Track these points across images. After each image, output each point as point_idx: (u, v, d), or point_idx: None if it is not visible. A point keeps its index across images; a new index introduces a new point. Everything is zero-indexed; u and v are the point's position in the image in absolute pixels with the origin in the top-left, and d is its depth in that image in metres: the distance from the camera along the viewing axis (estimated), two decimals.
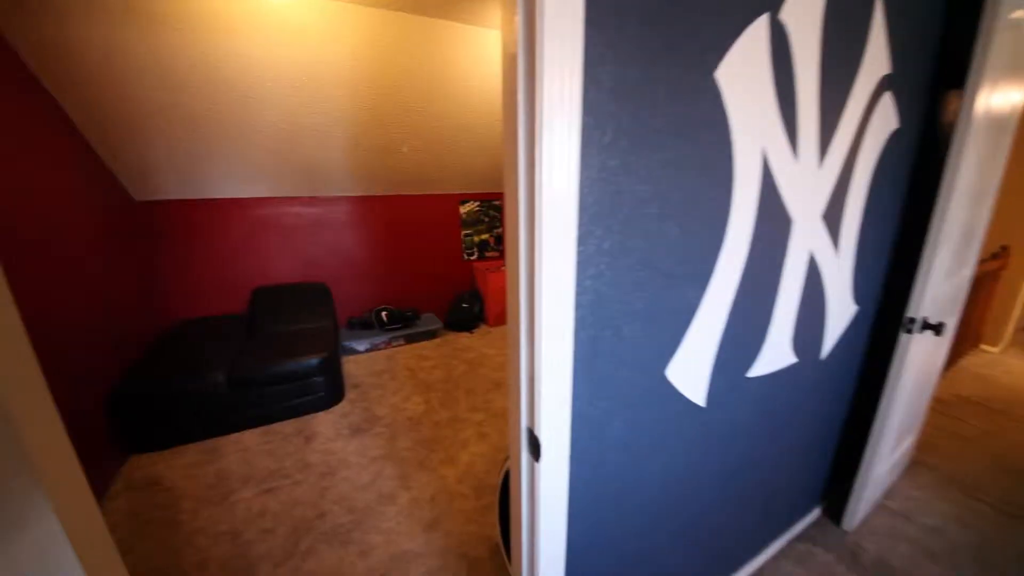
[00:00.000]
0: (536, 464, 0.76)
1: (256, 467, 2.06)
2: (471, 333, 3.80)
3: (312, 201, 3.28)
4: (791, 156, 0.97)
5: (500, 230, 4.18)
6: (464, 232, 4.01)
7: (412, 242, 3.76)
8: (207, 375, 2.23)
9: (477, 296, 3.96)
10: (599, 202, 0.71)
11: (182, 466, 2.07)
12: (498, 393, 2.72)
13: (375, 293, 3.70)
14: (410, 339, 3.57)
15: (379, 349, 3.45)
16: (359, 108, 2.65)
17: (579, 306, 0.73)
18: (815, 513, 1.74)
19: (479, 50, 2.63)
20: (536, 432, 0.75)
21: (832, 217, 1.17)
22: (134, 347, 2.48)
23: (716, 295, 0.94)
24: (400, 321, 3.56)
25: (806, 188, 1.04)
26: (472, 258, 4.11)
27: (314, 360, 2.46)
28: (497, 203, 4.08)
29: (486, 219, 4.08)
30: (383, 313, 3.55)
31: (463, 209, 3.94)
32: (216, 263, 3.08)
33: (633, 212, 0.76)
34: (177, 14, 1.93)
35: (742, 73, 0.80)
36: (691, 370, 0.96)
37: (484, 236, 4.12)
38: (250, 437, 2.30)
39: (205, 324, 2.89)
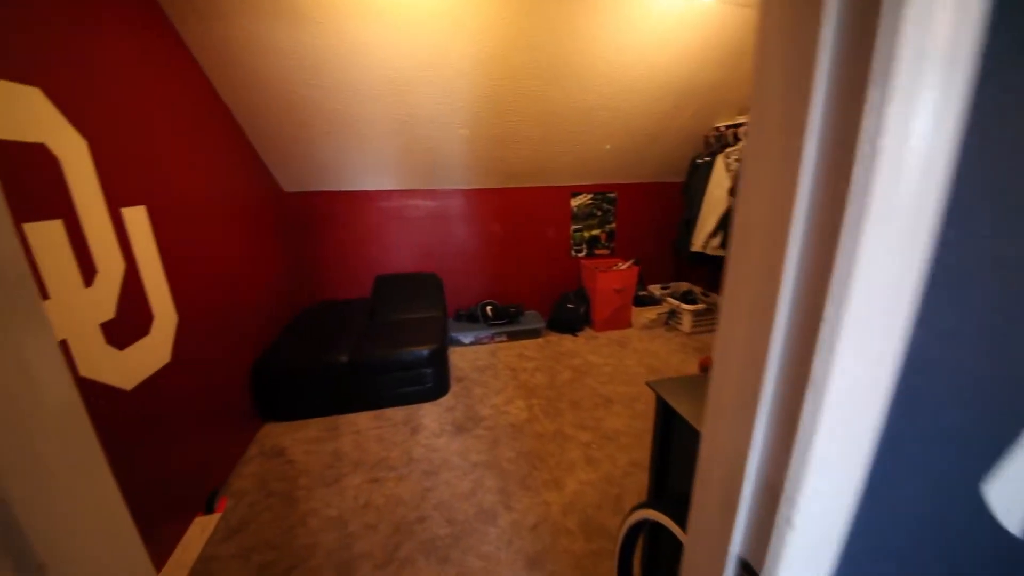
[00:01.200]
0: None
1: (367, 452, 2.11)
2: (575, 336, 3.55)
3: (430, 194, 3.34)
4: None
5: (613, 225, 3.83)
6: (574, 227, 3.75)
7: (520, 236, 3.63)
8: (333, 356, 2.36)
9: (584, 296, 3.68)
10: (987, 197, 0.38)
11: (304, 440, 2.22)
12: (608, 412, 2.43)
13: (482, 286, 3.67)
14: (513, 336, 3.46)
15: (483, 343, 3.40)
16: (478, 98, 2.55)
17: (911, 370, 0.41)
18: None
19: (608, 19, 2.32)
20: (757, 570, 0.47)
21: None
22: (278, 323, 2.75)
23: None
24: (504, 317, 3.47)
25: None
26: (580, 255, 3.84)
27: (424, 351, 2.46)
28: (612, 196, 3.73)
29: (599, 213, 3.76)
30: (488, 308, 3.49)
31: (574, 202, 3.68)
32: (347, 250, 3.32)
33: None
34: (313, 2, 1.97)
35: None
36: None
37: (595, 232, 3.81)
38: (364, 420, 2.39)
39: (336, 306, 3.14)
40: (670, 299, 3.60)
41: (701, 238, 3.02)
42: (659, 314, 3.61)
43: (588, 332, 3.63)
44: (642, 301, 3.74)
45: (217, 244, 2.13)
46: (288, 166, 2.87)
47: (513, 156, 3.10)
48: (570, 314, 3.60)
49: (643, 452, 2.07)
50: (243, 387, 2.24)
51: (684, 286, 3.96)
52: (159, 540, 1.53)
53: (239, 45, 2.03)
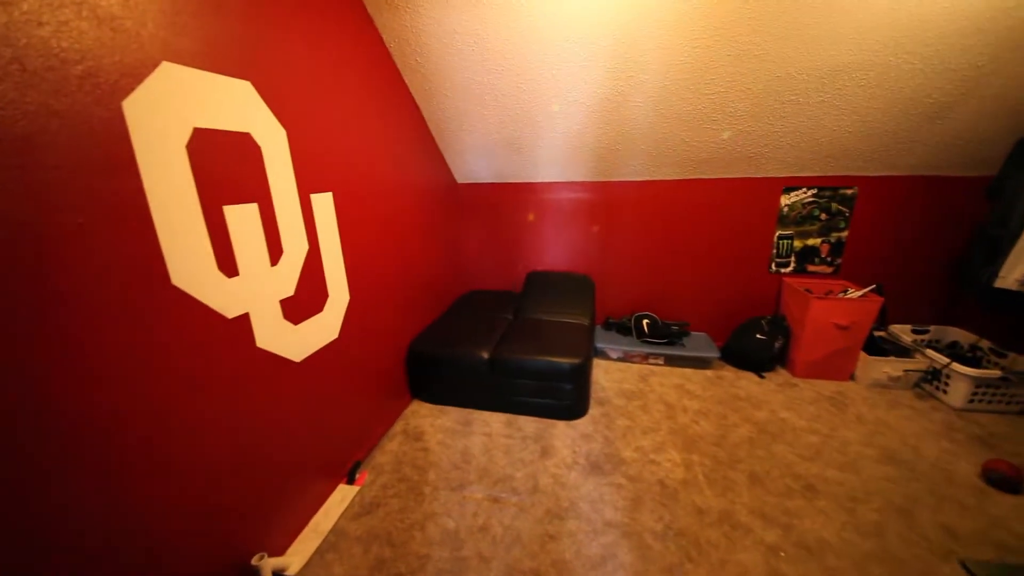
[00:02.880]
0: None
1: (493, 462, 1.97)
2: (761, 377, 2.75)
3: (595, 186, 2.99)
4: None
5: (844, 233, 2.78)
6: (780, 232, 2.87)
7: (699, 239, 2.97)
8: (475, 352, 2.30)
9: (782, 326, 2.81)
10: None
11: (441, 429, 2.22)
12: (809, 506, 1.72)
13: (640, 294, 3.17)
14: (671, 361, 2.88)
15: (632, 362, 2.94)
16: (673, 64, 2.04)
17: None
18: None
19: None
20: None
21: None
22: (437, 307, 2.88)
23: None
24: (664, 336, 2.92)
25: None
26: (785, 271, 2.93)
27: (566, 364, 2.18)
28: (849, 192, 2.69)
29: (822, 216, 2.78)
30: (644, 321, 2.99)
31: (785, 200, 2.79)
32: (504, 243, 3.28)
33: None
34: None
35: None
36: None
37: (813, 241, 2.85)
38: (496, 421, 2.27)
39: (487, 297, 3.14)
40: (931, 352, 2.44)
41: (1021, 269, 1.87)
42: (906, 371, 2.49)
43: (782, 375, 2.77)
44: (878, 347, 2.65)
45: (392, 231, 2.25)
46: (463, 157, 2.91)
47: (706, 138, 2.47)
48: (758, 346, 2.80)
49: None
50: (399, 366, 2.37)
51: (954, 333, 2.65)
52: (306, 500, 1.67)
53: (427, 33, 2.03)
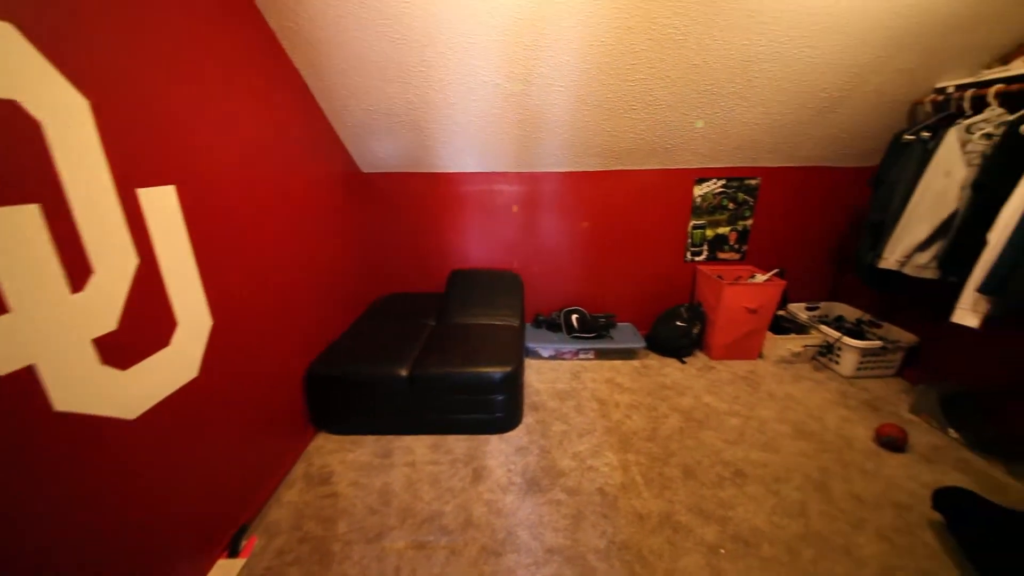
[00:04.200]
0: None
1: (418, 498, 1.71)
2: (683, 363, 2.82)
3: (518, 177, 2.80)
4: None
5: (749, 222, 2.94)
6: (694, 222, 2.95)
7: (619, 231, 2.95)
8: (391, 369, 1.99)
9: (698, 312, 2.91)
10: None
11: (355, 466, 1.89)
12: (741, 493, 1.74)
13: (569, 289, 3.08)
14: (601, 354, 2.85)
15: (564, 359, 2.84)
16: (594, 44, 1.90)
17: None
18: None
19: None
20: None
21: None
22: (344, 318, 2.48)
23: None
24: (592, 330, 2.86)
25: None
26: (698, 259, 3.04)
27: (496, 374, 1.98)
28: (753, 183, 2.84)
29: (731, 206, 2.91)
30: (574, 316, 2.91)
31: (698, 190, 2.87)
32: (423, 240, 2.96)
33: None
34: None
35: None
36: None
37: (723, 230, 2.97)
38: (421, 447, 2.00)
39: (406, 302, 2.81)
40: (824, 328, 2.68)
41: (900, 250, 2.08)
42: (805, 346, 2.71)
43: (701, 359, 2.87)
44: (781, 326, 2.85)
45: (275, 231, 1.83)
46: (366, 142, 2.52)
47: (626, 128, 2.41)
48: (679, 333, 2.87)
49: None
50: (295, 395, 1.97)
51: (840, 308, 2.96)
52: None
53: None
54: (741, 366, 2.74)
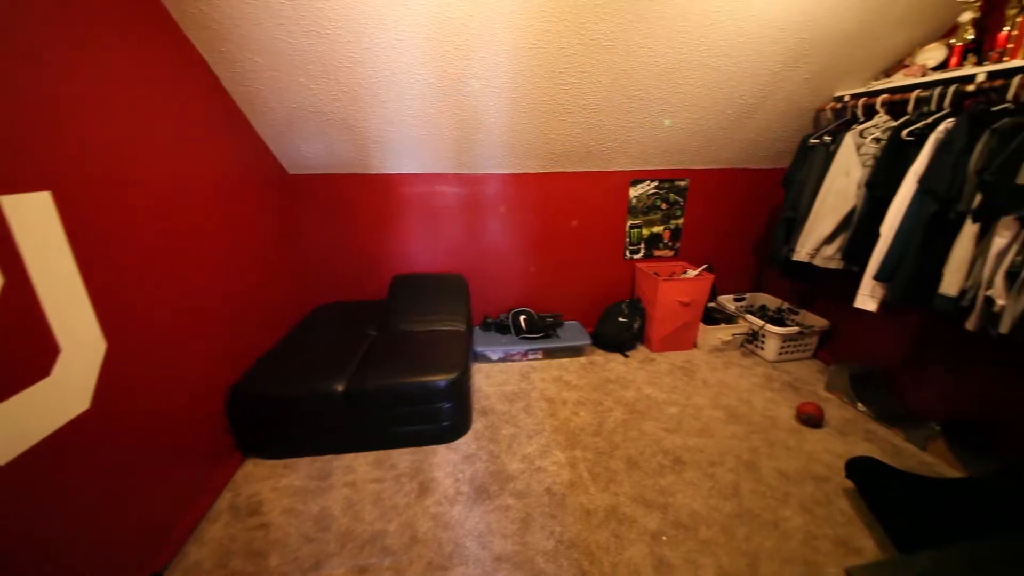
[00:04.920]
0: None
1: (359, 519, 1.62)
2: (626, 357, 2.92)
3: (460, 179, 2.75)
4: None
5: (680, 221, 3.11)
6: (631, 222, 3.06)
7: (563, 232, 3.00)
8: (327, 384, 1.87)
9: (638, 308, 3.02)
10: None
11: (288, 492, 1.75)
12: (679, 479, 1.82)
13: (516, 291, 3.09)
14: (550, 353, 2.88)
15: (513, 360, 2.84)
16: (526, 47, 1.91)
17: None
18: None
19: None
20: None
21: None
22: (273, 332, 2.31)
23: None
24: (540, 330, 2.88)
25: None
26: (637, 257, 3.16)
27: (442, 381, 1.93)
28: (682, 184, 3.00)
29: (663, 206, 3.05)
30: (522, 317, 2.92)
31: (633, 192, 2.98)
32: (362, 245, 2.82)
33: None
34: None
35: None
36: None
37: (657, 229, 3.11)
38: (362, 464, 1.90)
39: (345, 310, 2.66)
40: (749, 317, 2.88)
41: (810, 244, 2.28)
42: (734, 335, 2.91)
43: (642, 352, 2.98)
44: (712, 317, 3.04)
45: (184, 240, 1.66)
46: (292, 141, 2.36)
47: (562, 131, 2.45)
48: (621, 328, 2.97)
49: (738, 560, 1.46)
50: (216, 419, 1.80)
51: (763, 298, 3.21)
52: None
53: None
54: (678, 357, 2.89)
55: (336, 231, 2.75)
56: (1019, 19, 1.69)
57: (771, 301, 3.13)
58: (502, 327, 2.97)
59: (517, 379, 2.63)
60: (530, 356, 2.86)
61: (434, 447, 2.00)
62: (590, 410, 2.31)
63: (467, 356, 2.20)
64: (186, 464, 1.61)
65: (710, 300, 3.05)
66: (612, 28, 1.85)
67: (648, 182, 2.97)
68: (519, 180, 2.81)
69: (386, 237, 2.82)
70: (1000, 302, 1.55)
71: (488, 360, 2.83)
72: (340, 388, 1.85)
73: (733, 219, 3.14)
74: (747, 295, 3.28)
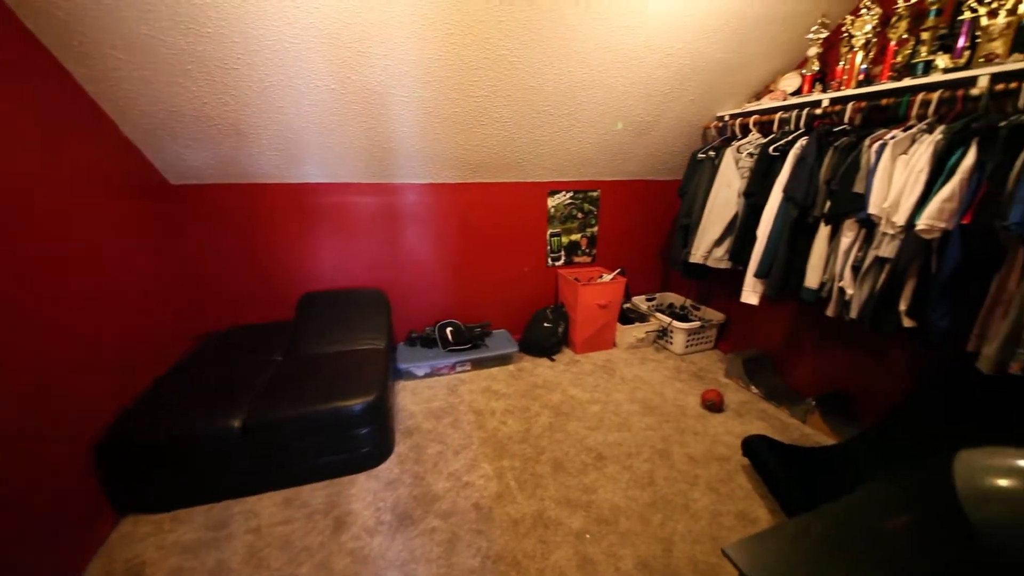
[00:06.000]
0: None
1: (264, 566, 1.46)
2: (552, 361, 3.00)
3: (373, 189, 2.64)
4: None
5: (595, 229, 3.28)
6: (551, 231, 3.17)
7: (487, 242, 3.01)
8: (220, 421, 1.66)
9: (562, 313, 3.13)
10: None
11: (177, 548, 1.52)
12: (601, 475, 1.89)
13: (442, 303, 3.03)
14: (478, 364, 2.86)
15: (441, 374, 2.77)
16: (433, 58, 1.89)
17: None
18: None
19: None
20: None
21: None
22: (157, 365, 2.01)
23: None
24: (468, 341, 2.85)
25: None
26: (558, 264, 3.27)
27: (357, 405, 1.81)
28: (595, 194, 3.18)
29: (579, 215, 3.21)
30: (448, 330, 2.86)
31: (551, 202, 3.10)
32: (263, 261, 2.57)
33: None
34: None
35: None
36: None
37: (575, 236, 3.26)
38: (268, 506, 1.72)
39: (248, 334, 2.40)
40: (659, 315, 3.12)
41: (703, 247, 2.53)
42: (647, 332, 3.12)
43: (568, 355, 3.09)
44: (627, 317, 3.24)
45: (36, 265, 1.38)
46: (173, 148, 2.09)
47: (478, 143, 2.47)
48: (546, 333, 3.04)
49: (654, 546, 1.55)
50: (81, 474, 1.51)
51: (671, 297, 3.50)
52: None
53: None
54: (600, 356, 3.03)
55: (234, 247, 2.49)
56: (850, 56, 2.03)
57: (677, 299, 3.41)
58: (428, 341, 2.89)
59: (445, 394, 2.56)
60: (458, 369, 2.82)
61: (353, 477, 1.86)
62: (518, 417, 2.33)
63: (387, 375, 2.10)
64: (38, 537, 1.32)
65: (625, 301, 3.25)
66: (516, 46, 1.91)
67: (564, 192, 3.10)
68: (439, 190, 2.78)
69: (293, 252, 2.61)
70: (849, 291, 1.84)
71: (414, 377, 2.73)
72: (237, 423, 1.66)
73: (641, 226, 3.38)
74: (657, 295, 3.55)
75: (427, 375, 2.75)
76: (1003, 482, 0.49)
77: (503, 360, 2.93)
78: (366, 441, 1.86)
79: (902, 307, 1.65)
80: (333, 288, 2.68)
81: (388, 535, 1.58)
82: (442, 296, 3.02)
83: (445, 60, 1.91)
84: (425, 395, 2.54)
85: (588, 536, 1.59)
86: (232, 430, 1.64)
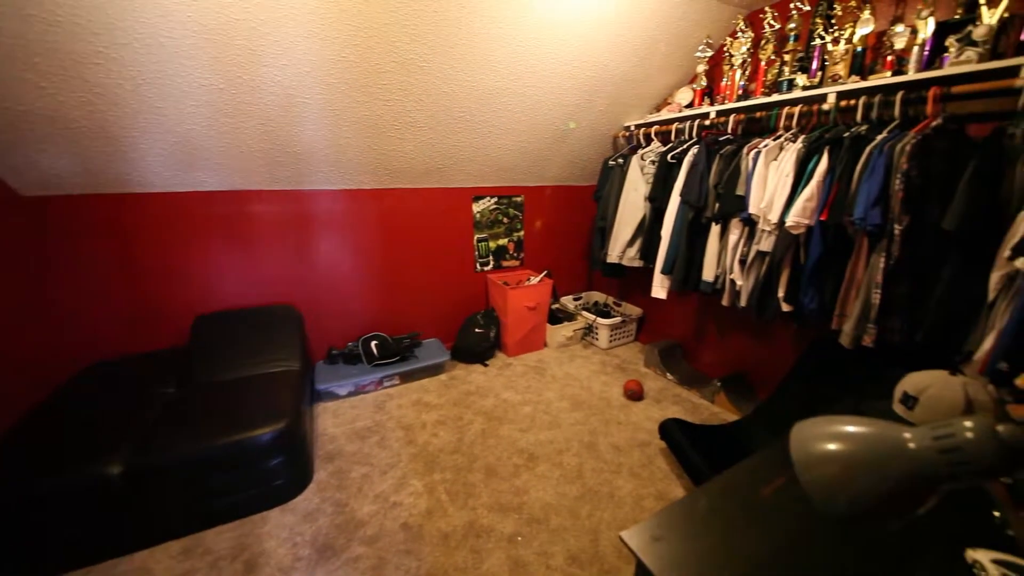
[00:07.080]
0: None
1: None
2: (485, 366, 3.00)
3: (278, 196, 2.45)
4: None
5: (521, 233, 3.35)
6: (478, 236, 3.18)
7: (412, 249, 2.93)
8: (92, 467, 1.43)
9: (493, 317, 3.14)
10: None
11: None
12: (532, 475, 1.92)
13: (365, 316, 2.88)
14: (407, 377, 2.76)
15: (367, 391, 2.64)
16: (336, 60, 1.81)
17: None
18: None
19: None
20: None
21: None
22: (11, 406, 1.67)
23: None
24: (396, 354, 2.75)
25: None
26: (487, 268, 3.28)
27: (266, 435, 1.65)
28: (519, 200, 3.24)
29: (505, 220, 3.25)
30: (373, 343, 2.74)
31: (476, 207, 3.11)
32: (146, 282, 2.24)
33: None
34: None
35: None
36: None
37: (502, 241, 3.29)
38: (164, 559, 1.50)
39: (130, 365, 2.09)
40: (585, 313, 3.26)
41: (618, 248, 2.69)
42: (575, 331, 3.24)
43: (501, 359, 3.10)
44: (556, 317, 3.34)
45: None
46: (24, 152, 1.77)
47: (394, 148, 2.40)
48: (478, 339, 3.03)
49: (583, 539, 1.60)
50: None
51: (596, 295, 3.67)
52: None
53: None
54: (531, 357, 3.09)
55: (109, 267, 2.16)
56: (731, 72, 2.28)
57: (601, 297, 3.59)
58: (351, 357, 2.74)
59: (371, 412, 2.44)
60: (386, 384, 2.70)
61: (264, 513, 1.69)
62: (450, 428, 2.29)
63: (301, 398, 1.95)
64: None
65: (554, 302, 3.35)
66: (425, 51, 1.89)
67: (489, 198, 3.12)
68: (355, 196, 2.65)
69: (184, 271, 2.31)
70: (739, 283, 2.05)
71: (336, 397, 2.56)
72: (117, 469, 1.43)
73: (564, 229, 3.51)
74: (583, 294, 3.70)
75: (350, 394, 2.60)
76: (831, 446, 0.56)
77: (435, 370, 2.86)
78: (278, 473, 1.70)
79: (780, 294, 1.88)
80: (235, 307, 2.43)
81: (306, 571, 1.46)
82: (365, 308, 2.88)
83: (350, 62, 1.83)
84: (348, 415, 2.40)
85: (520, 539, 1.60)
86: (111, 477, 1.41)
